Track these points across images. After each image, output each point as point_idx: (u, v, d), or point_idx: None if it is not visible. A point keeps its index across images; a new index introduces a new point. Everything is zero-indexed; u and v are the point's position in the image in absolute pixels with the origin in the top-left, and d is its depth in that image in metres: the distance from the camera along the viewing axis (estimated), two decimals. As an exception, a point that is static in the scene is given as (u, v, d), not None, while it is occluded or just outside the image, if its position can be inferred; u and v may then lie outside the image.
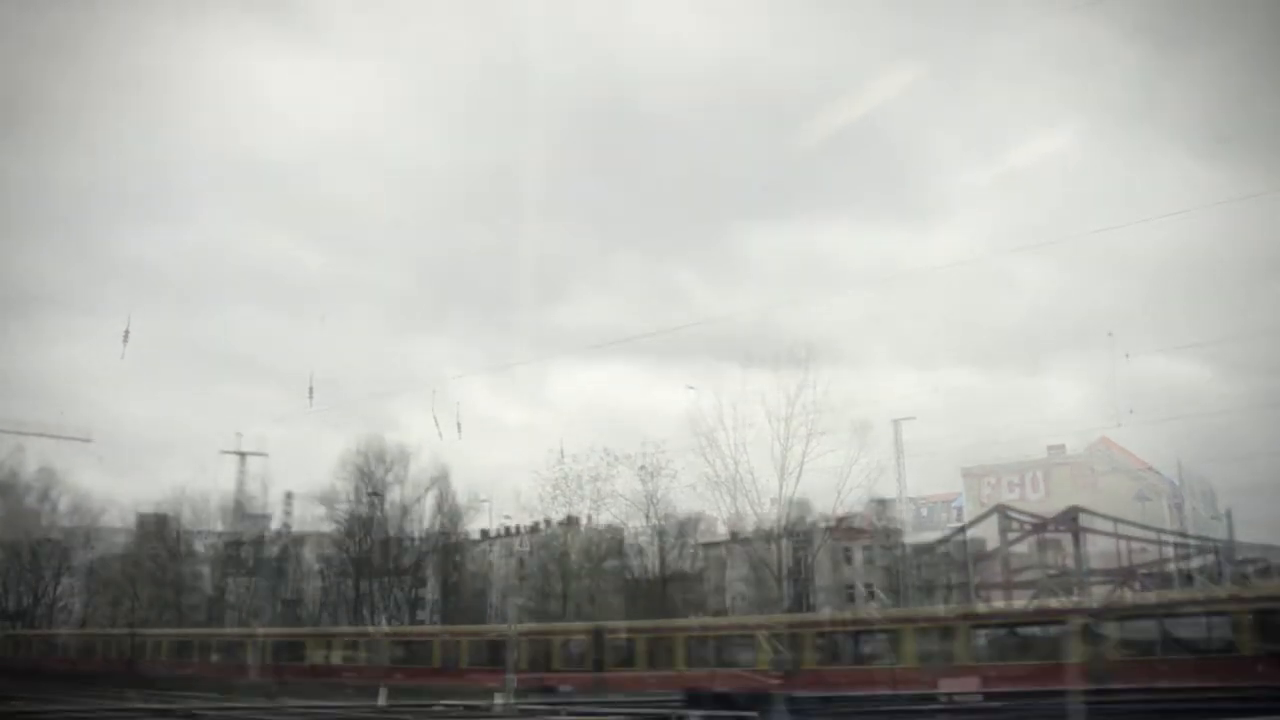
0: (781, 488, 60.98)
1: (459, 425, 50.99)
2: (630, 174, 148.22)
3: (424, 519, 74.19)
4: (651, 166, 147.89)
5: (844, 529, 72.25)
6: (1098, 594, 69.98)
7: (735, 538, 69.96)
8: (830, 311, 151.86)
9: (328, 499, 73.70)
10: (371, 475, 72.96)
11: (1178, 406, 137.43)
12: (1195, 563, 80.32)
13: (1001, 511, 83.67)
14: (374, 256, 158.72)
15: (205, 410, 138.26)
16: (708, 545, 77.29)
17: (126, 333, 50.27)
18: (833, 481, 61.08)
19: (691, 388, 66.86)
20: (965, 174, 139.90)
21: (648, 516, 66.41)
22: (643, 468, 63.58)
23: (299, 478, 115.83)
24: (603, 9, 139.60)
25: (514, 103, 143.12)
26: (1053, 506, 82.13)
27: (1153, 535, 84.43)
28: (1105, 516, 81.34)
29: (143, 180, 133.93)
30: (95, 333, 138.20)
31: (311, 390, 50.37)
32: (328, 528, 75.83)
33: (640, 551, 69.32)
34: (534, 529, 78.47)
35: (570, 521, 70.84)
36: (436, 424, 50.74)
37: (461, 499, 74.54)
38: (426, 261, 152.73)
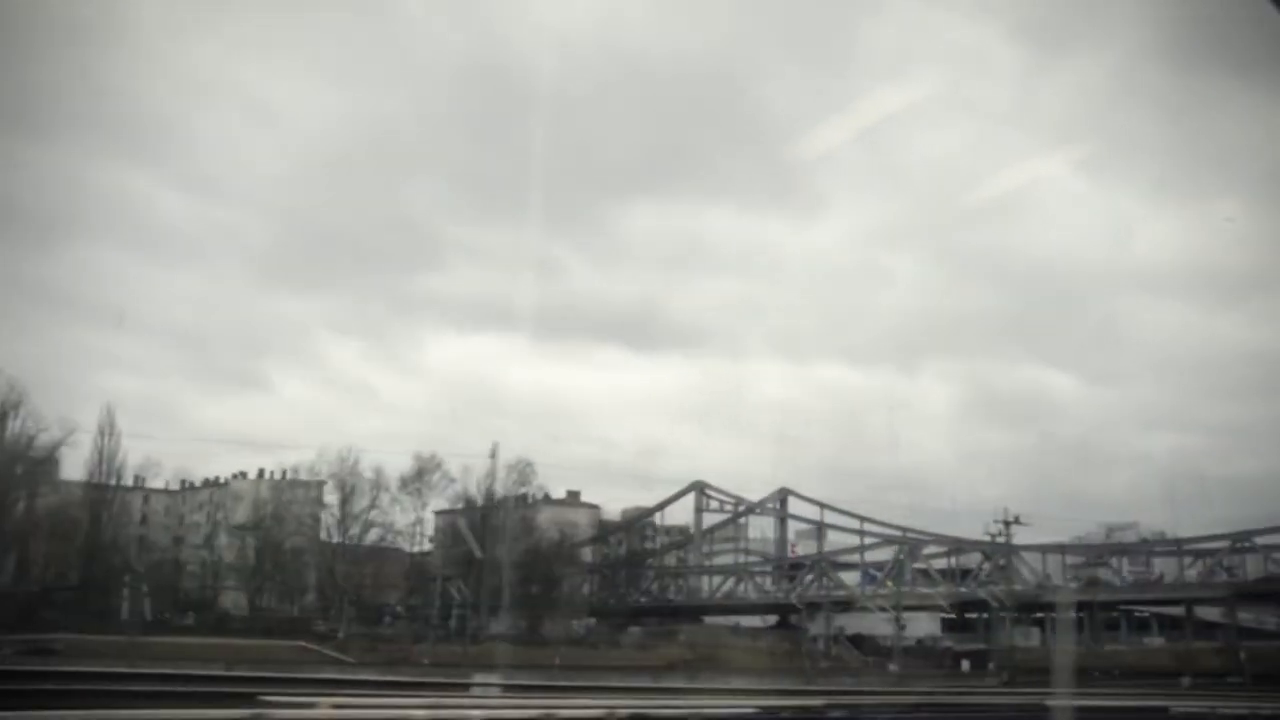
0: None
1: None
2: (509, 142, 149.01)
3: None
4: (531, 136, 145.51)
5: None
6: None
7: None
8: (708, 296, 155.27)
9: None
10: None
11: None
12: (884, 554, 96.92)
13: (699, 489, 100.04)
14: (241, 205, 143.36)
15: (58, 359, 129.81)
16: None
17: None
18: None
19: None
20: (843, 165, 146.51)
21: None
22: None
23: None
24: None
25: (394, 58, 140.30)
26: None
27: (855, 523, 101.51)
28: (814, 501, 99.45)
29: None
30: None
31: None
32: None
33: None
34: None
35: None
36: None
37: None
38: (295, 215, 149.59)
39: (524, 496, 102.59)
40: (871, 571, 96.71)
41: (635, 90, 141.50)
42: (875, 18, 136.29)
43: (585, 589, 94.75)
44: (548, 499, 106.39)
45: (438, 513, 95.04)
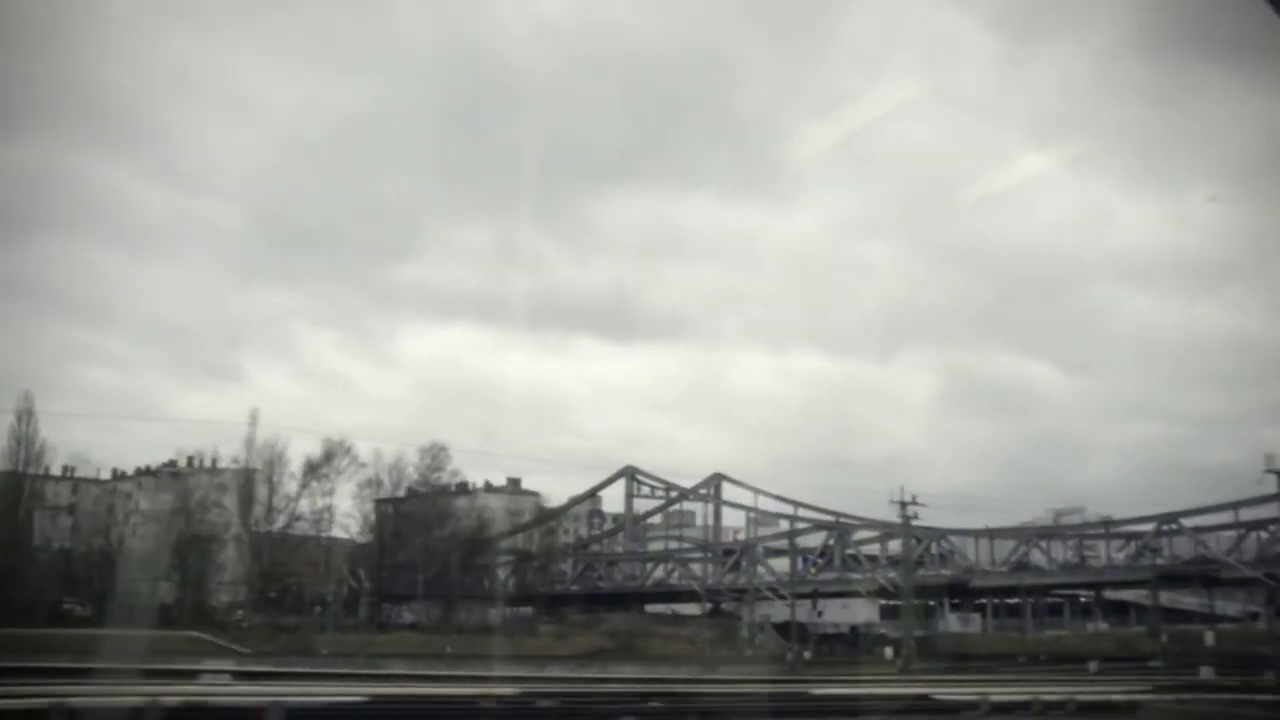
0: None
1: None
2: (486, 132, 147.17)
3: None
4: (508, 126, 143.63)
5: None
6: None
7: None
8: (686, 286, 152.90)
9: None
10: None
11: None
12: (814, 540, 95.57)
13: (629, 474, 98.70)
14: (218, 197, 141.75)
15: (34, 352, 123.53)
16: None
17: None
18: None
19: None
20: (822, 156, 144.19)
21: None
22: None
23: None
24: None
25: (371, 48, 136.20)
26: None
27: (789, 508, 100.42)
28: (749, 486, 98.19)
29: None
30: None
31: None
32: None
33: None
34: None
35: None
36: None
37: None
38: (273, 206, 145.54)
39: (464, 485, 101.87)
40: (810, 558, 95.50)
41: (612, 80, 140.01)
42: (853, 6, 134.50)
43: (510, 577, 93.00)
44: (489, 487, 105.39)
45: (378, 501, 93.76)
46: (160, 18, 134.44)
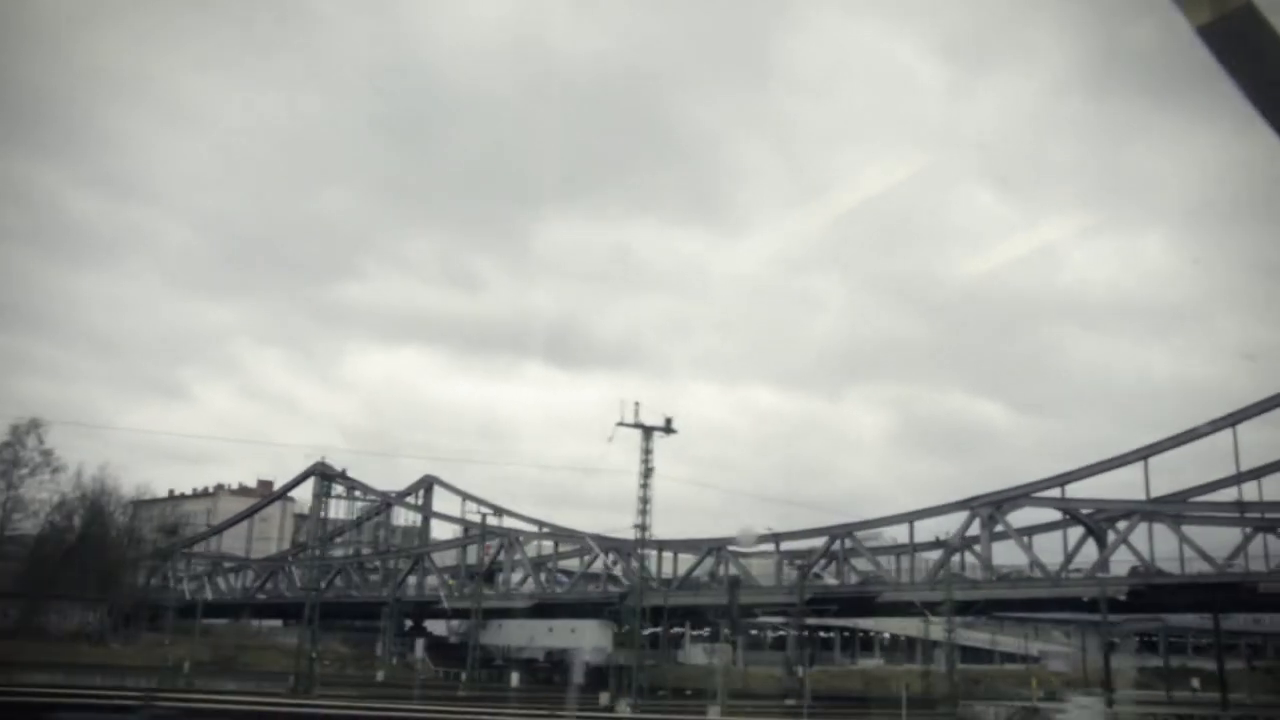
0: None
1: None
2: (428, 149, 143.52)
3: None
4: (448, 144, 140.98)
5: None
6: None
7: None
8: (634, 314, 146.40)
9: None
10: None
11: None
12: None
13: (319, 471, 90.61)
14: (154, 205, 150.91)
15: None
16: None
17: None
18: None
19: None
20: (768, 183, 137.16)
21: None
22: None
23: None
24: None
25: (308, 62, 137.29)
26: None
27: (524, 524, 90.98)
28: (458, 491, 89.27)
29: None
30: None
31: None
32: None
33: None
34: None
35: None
36: None
37: None
38: (211, 217, 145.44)
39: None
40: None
41: (556, 101, 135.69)
42: (799, 30, 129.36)
43: (129, 580, 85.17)
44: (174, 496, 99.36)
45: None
46: (94, 21, 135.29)
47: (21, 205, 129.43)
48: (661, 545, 74.86)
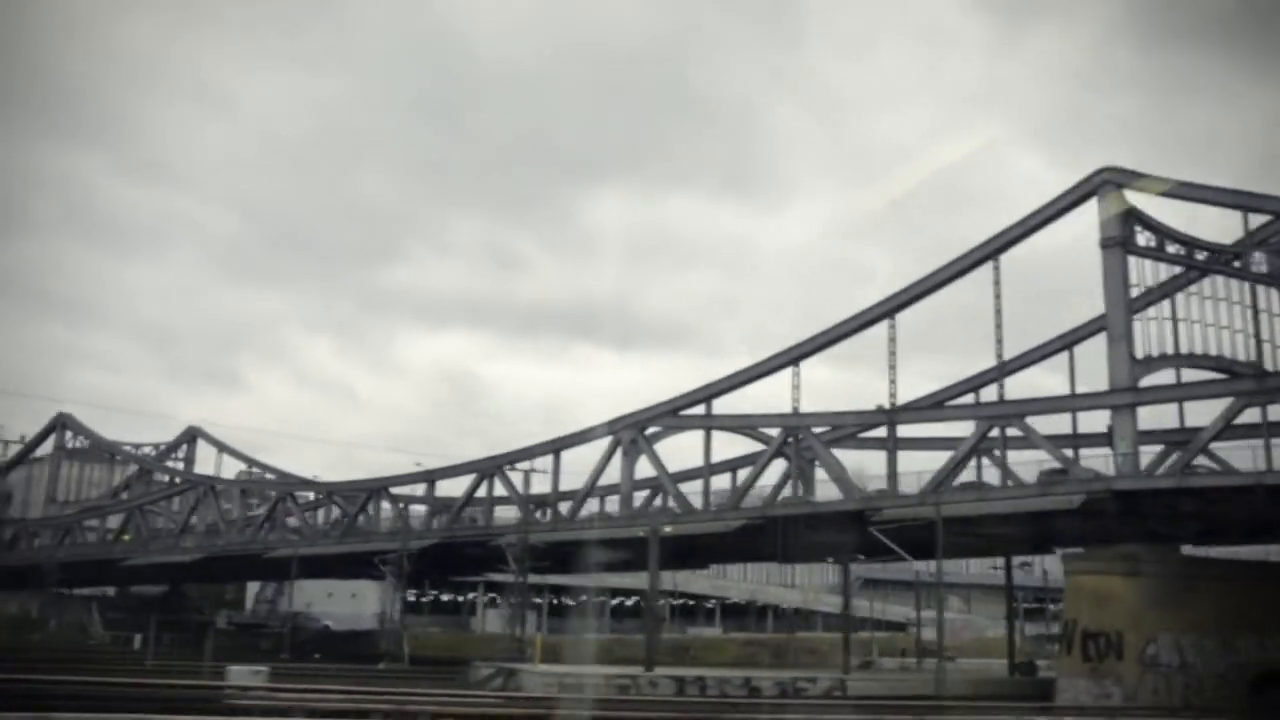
0: None
1: None
2: (470, 130, 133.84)
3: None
4: (493, 124, 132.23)
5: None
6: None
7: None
8: (682, 292, 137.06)
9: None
10: None
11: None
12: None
13: (60, 424, 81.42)
14: (197, 193, 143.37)
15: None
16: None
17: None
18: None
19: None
20: (810, 152, 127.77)
21: None
22: None
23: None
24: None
25: (341, 42, 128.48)
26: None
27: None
28: (216, 442, 79.48)
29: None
30: None
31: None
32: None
33: None
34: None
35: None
36: None
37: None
38: (255, 204, 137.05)
39: None
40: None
41: (593, 73, 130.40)
42: None
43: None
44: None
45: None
46: (126, 8, 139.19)
47: (66, 197, 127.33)
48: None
